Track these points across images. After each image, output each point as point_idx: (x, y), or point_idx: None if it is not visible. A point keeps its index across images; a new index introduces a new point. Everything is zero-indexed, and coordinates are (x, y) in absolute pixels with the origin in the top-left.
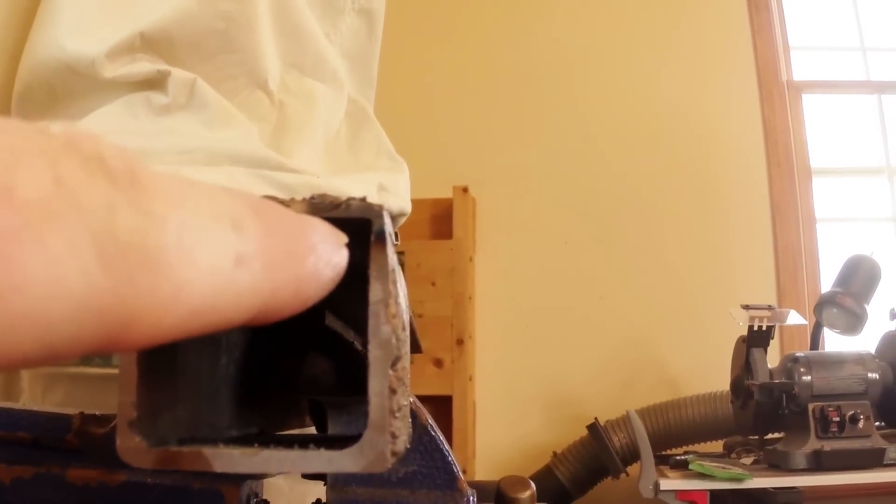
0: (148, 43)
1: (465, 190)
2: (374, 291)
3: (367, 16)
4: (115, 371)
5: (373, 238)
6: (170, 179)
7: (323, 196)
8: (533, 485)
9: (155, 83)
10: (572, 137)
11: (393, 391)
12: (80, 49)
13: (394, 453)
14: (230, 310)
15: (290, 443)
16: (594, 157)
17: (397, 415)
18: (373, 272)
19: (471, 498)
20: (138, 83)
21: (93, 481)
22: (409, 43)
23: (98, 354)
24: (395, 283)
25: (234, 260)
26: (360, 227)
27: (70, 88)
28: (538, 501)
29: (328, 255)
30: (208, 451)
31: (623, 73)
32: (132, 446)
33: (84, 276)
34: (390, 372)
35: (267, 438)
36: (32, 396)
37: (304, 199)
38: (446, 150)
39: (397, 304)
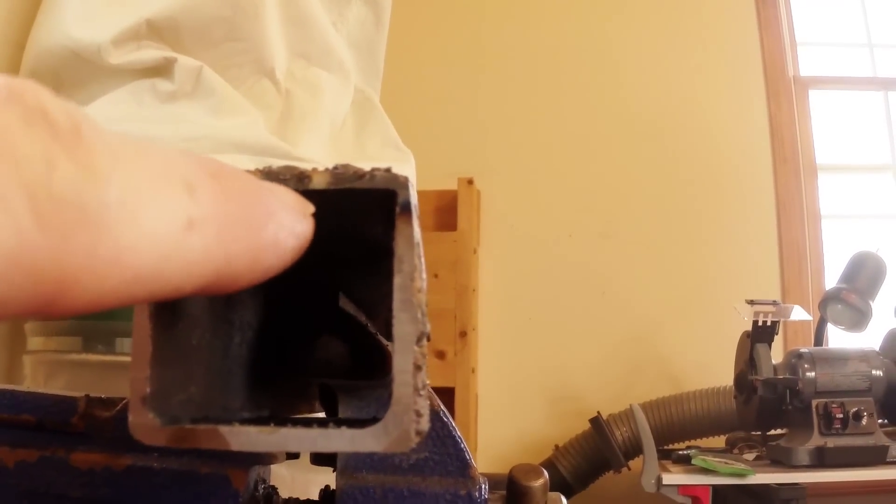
0: (154, 30)
1: (470, 182)
2: (400, 265)
3: (374, 5)
4: (118, 358)
5: (398, 210)
6: (119, 138)
7: (346, 166)
8: (546, 473)
9: (161, 70)
10: (577, 130)
11: (418, 368)
12: (87, 36)
13: (418, 433)
14: (180, 276)
15: (307, 423)
16: (599, 151)
17: (422, 392)
18: (398, 245)
19: (483, 486)
20: (144, 70)
21: (98, 465)
22: (415, 33)
23: (35, 317)
24: (420, 256)
25: (185, 224)
26: (383, 200)
27: (75, 75)
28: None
29: (290, 223)
30: (225, 428)
31: (629, 66)
32: (145, 423)
33: (16, 232)
34: (415, 348)
35: (282, 420)
36: (35, 383)
37: (326, 170)
38: (451, 141)
39: (423, 278)
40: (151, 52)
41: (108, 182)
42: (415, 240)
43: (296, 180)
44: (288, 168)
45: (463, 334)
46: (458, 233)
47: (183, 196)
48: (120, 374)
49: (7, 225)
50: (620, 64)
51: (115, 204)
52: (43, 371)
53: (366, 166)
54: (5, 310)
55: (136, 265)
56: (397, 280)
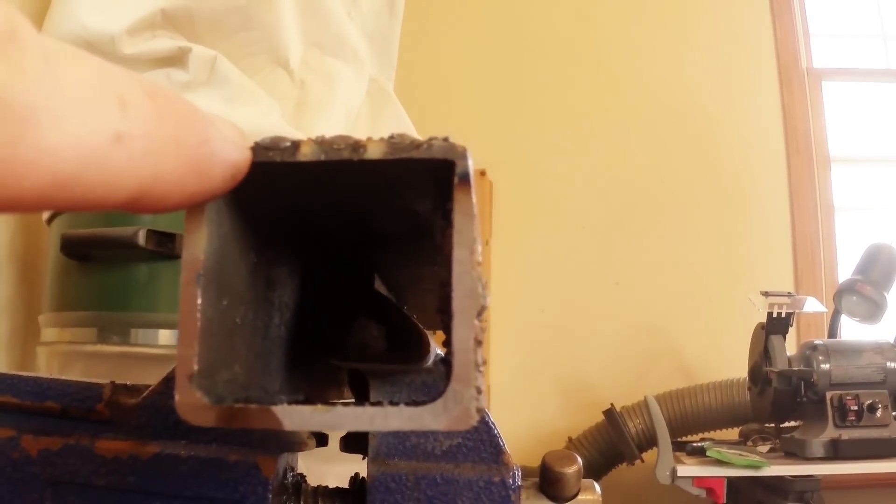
0: (169, 19)
1: (482, 173)
2: (459, 237)
3: None
4: (133, 349)
5: (456, 180)
6: (57, 46)
7: (402, 135)
8: (579, 459)
9: (175, 60)
10: (589, 122)
11: (478, 342)
12: (101, 25)
13: (478, 410)
14: (102, 187)
15: (356, 404)
16: (612, 143)
17: (481, 368)
18: (457, 216)
19: (516, 472)
20: (159, 60)
21: (123, 453)
22: (428, 24)
23: None
24: (478, 229)
25: (112, 136)
26: (436, 172)
27: None
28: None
29: (225, 151)
30: (277, 408)
31: (642, 58)
32: (193, 402)
33: None
34: (476, 322)
35: (326, 401)
36: (49, 374)
37: (382, 139)
38: (463, 132)
39: (480, 251)
40: (166, 42)
41: (37, 84)
42: (473, 211)
43: (350, 149)
44: (342, 137)
45: None
46: None
47: (114, 109)
48: (135, 364)
49: None
50: (634, 56)
51: (40, 106)
52: (57, 362)
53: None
54: None
55: (57, 169)
56: (457, 253)
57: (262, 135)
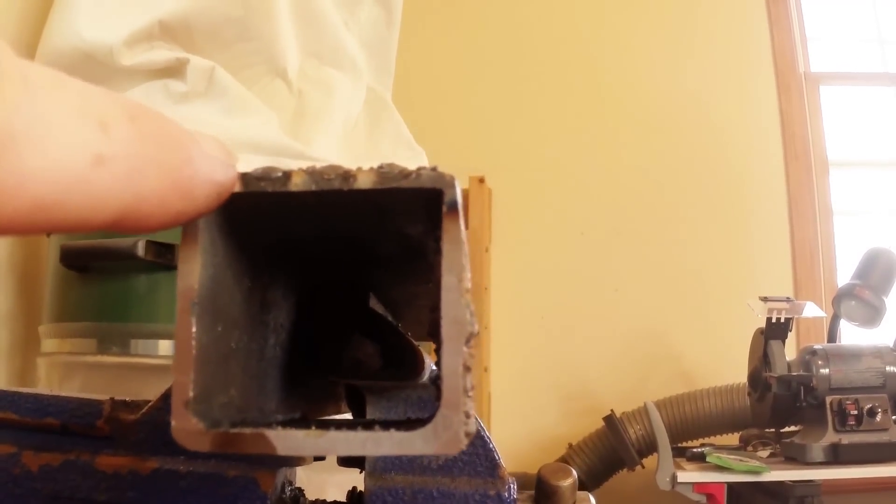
0: (167, 30)
1: (482, 180)
2: (448, 265)
3: (385, 4)
4: (133, 360)
5: (445, 209)
6: (37, 70)
7: (391, 165)
8: (574, 473)
9: (174, 71)
10: (589, 128)
11: (467, 369)
12: (99, 37)
13: (467, 434)
14: (85, 209)
15: (351, 426)
16: (611, 149)
17: (470, 394)
18: (445, 244)
19: (511, 486)
20: (157, 71)
21: (123, 469)
22: (426, 31)
23: None
24: (466, 256)
25: (93, 159)
26: (426, 199)
27: (87, 77)
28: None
29: (209, 170)
30: (271, 433)
31: (640, 64)
32: (189, 428)
33: None
34: (464, 349)
35: (320, 423)
36: (49, 385)
37: (371, 169)
38: (462, 139)
39: (469, 278)
40: (164, 53)
41: (16, 109)
42: (462, 239)
43: (341, 179)
44: (332, 167)
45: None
46: (470, 231)
47: (94, 131)
48: (135, 375)
49: None
50: (632, 61)
51: (19, 131)
52: (58, 373)
53: (411, 164)
54: None
55: (38, 194)
56: (445, 280)
57: (261, 145)
